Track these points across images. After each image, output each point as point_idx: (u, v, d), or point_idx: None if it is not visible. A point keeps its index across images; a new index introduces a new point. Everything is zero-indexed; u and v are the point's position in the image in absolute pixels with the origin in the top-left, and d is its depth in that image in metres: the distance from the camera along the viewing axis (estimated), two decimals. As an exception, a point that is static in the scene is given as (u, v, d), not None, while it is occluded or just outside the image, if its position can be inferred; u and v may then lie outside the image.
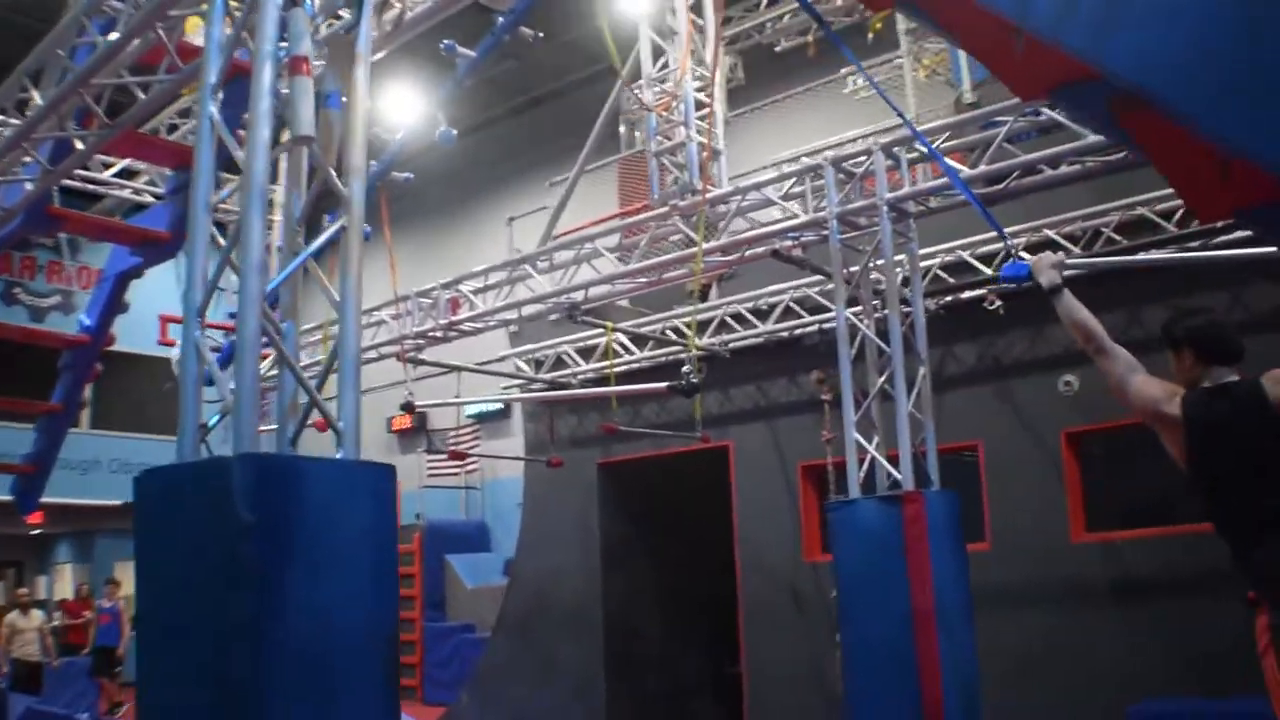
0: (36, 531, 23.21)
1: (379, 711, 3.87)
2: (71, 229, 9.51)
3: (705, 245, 8.53)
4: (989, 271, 9.87)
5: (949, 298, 10.02)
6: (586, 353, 11.98)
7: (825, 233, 8.24)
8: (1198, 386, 4.23)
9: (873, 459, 7.74)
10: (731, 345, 10.98)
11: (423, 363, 10.32)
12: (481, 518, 20.18)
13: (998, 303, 9.79)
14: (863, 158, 8.16)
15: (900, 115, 7.85)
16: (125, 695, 16.64)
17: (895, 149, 8.15)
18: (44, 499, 21.33)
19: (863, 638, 7.31)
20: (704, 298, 11.37)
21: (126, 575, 22.61)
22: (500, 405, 19.77)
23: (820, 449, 10.21)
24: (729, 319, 11.09)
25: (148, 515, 4.10)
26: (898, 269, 7.96)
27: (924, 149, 8.12)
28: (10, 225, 8.25)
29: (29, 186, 7.77)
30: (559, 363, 12.25)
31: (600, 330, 11.64)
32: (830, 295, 10.39)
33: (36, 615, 14.97)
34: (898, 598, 7.09)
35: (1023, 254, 9.48)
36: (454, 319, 9.77)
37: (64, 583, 24.13)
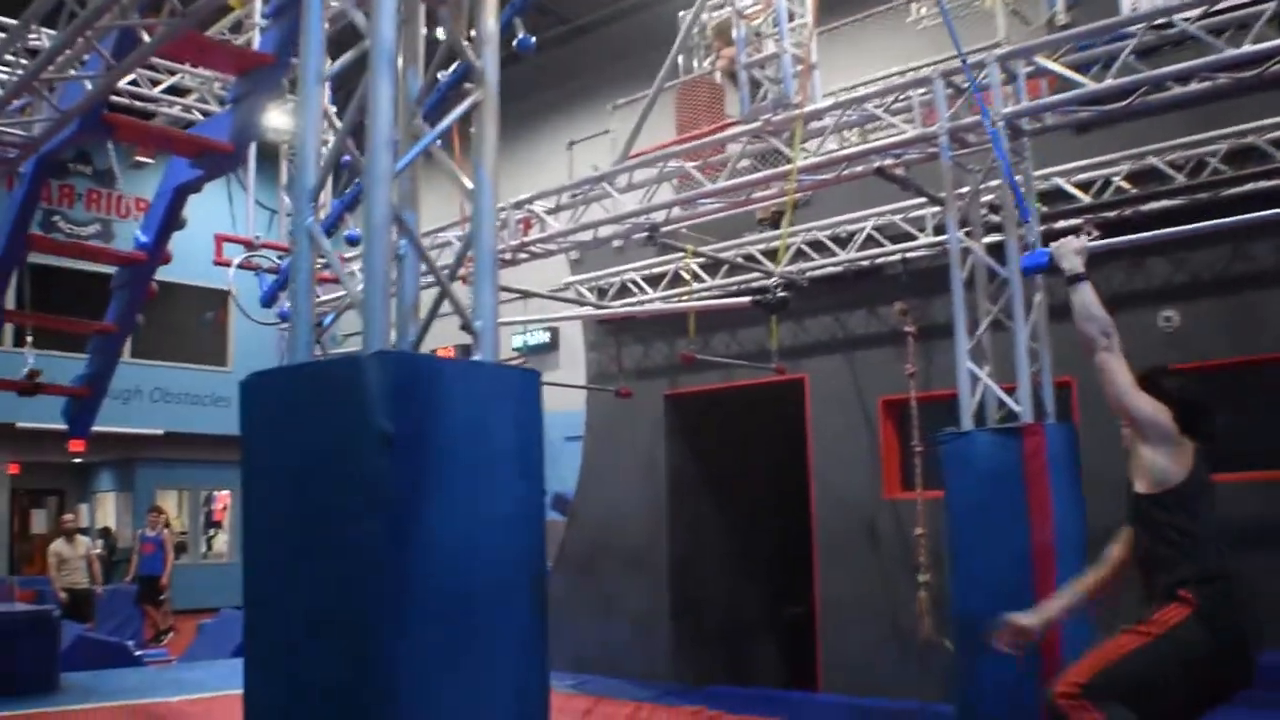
0: (78, 460, 22.84)
1: (527, 658, 3.31)
2: (126, 136, 8.88)
3: (801, 163, 7.90)
4: (1086, 198, 9.28)
5: (1042, 226, 9.39)
6: (653, 281, 11.36)
7: (932, 150, 7.61)
8: None
9: (984, 390, 7.16)
10: (809, 274, 10.33)
11: (491, 287, 9.72)
12: (528, 453, 19.73)
13: (1095, 233, 9.16)
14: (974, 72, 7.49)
15: (955, 45, 7.15)
16: (172, 621, 16.35)
17: (1010, 63, 7.49)
18: (85, 427, 20.91)
19: (976, 574, 6.75)
20: (775, 225, 10.77)
21: (168, 503, 22.30)
22: (547, 338, 19.27)
23: (902, 383, 9.66)
24: (805, 247, 10.44)
25: (258, 424, 3.50)
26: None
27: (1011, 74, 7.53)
28: (65, 131, 7.67)
29: (89, 86, 7.18)
30: (624, 291, 11.63)
31: (669, 258, 11.07)
32: (917, 223, 9.81)
33: (83, 542, 14.46)
34: (1016, 533, 6.55)
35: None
36: (525, 240, 9.14)
37: (105, 511, 23.81)
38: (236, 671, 3.53)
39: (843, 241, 10.32)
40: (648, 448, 11.44)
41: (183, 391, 21.47)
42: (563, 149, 13.00)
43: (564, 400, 19.07)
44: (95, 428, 21.69)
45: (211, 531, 23.59)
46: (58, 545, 14.21)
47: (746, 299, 8.80)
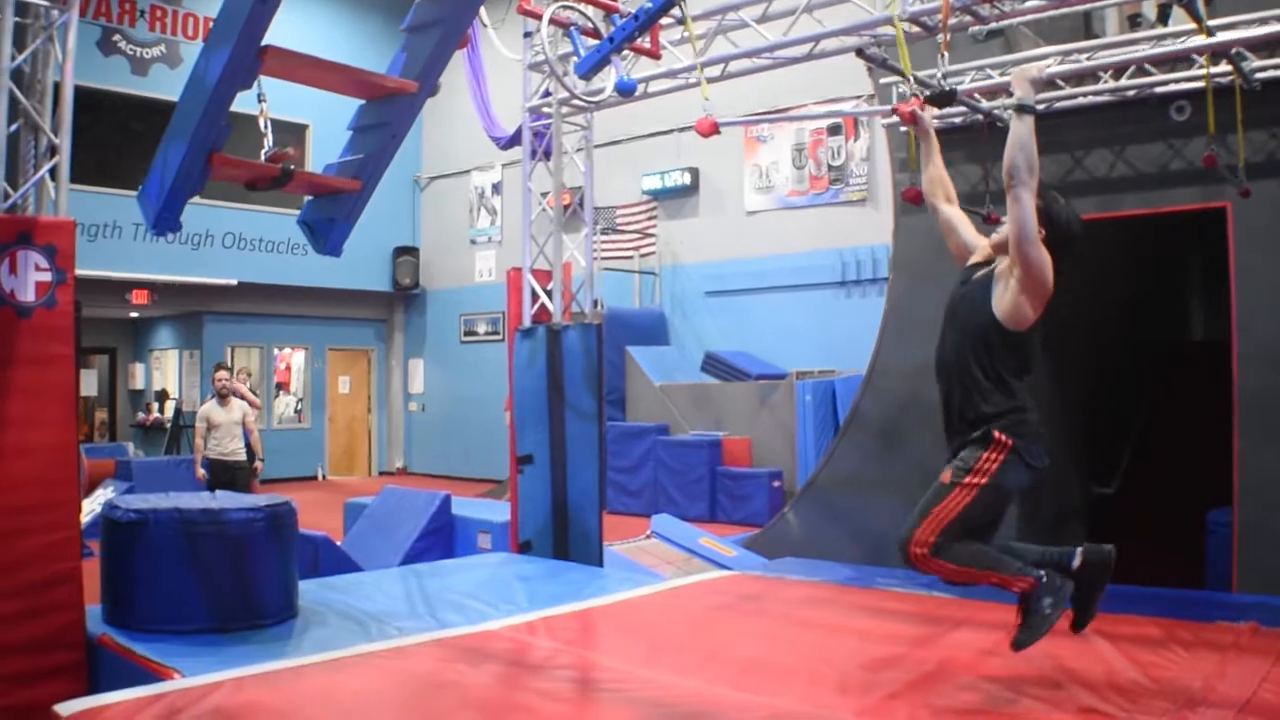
0: (134, 314, 19.50)
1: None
2: None
3: None
4: None
5: None
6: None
7: None
8: None
9: None
10: (1263, 74, 7.49)
11: (888, 64, 6.80)
12: (659, 307, 16.84)
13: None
14: None
15: None
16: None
17: None
18: (148, 276, 17.39)
19: None
20: (1164, 21, 8.04)
21: (249, 362, 19.24)
22: (686, 180, 16.35)
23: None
24: (1244, 49, 7.55)
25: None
26: None
27: None
28: None
29: None
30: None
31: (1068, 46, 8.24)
32: None
33: (238, 405, 10.96)
34: None
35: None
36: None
37: (166, 371, 20.49)
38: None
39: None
40: (990, 290, 8.69)
41: (257, 237, 18.20)
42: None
43: (703, 254, 16.30)
44: (159, 276, 18.18)
45: (275, 394, 20.39)
46: (208, 408, 10.82)
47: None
